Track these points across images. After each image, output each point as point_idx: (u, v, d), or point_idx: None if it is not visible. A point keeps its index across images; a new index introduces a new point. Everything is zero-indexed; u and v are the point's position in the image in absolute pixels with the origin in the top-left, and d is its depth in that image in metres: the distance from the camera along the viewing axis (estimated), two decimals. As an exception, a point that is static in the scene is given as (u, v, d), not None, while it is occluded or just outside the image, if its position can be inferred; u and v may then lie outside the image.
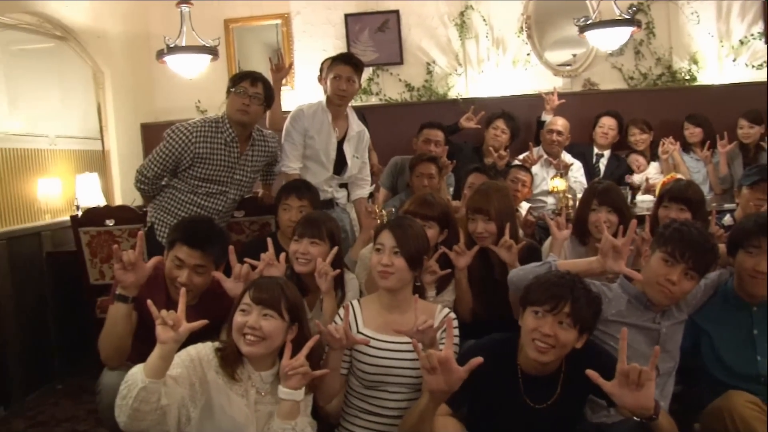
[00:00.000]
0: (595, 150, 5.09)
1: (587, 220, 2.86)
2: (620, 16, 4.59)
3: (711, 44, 5.41)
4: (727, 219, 3.67)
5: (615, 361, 1.88)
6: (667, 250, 2.22)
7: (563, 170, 4.67)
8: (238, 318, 2.06)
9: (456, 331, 2.33)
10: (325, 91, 3.62)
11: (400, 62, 5.56)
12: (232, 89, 3.22)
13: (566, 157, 4.85)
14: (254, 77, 3.25)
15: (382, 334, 2.31)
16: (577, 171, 4.82)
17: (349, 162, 3.66)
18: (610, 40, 4.62)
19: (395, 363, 2.29)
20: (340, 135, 3.62)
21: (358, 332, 2.32)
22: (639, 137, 5.08)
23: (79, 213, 4.15)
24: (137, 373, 1.86)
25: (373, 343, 2.29)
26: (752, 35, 5.36)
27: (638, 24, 4.63)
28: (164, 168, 3.21)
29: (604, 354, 2.10)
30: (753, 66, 5.38)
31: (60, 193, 4.49)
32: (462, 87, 5.55)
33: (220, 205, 3.33)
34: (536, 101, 5.21)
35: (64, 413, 3.71)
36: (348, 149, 3.66)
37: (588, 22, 4.60)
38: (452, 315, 2.35)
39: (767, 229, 2.36)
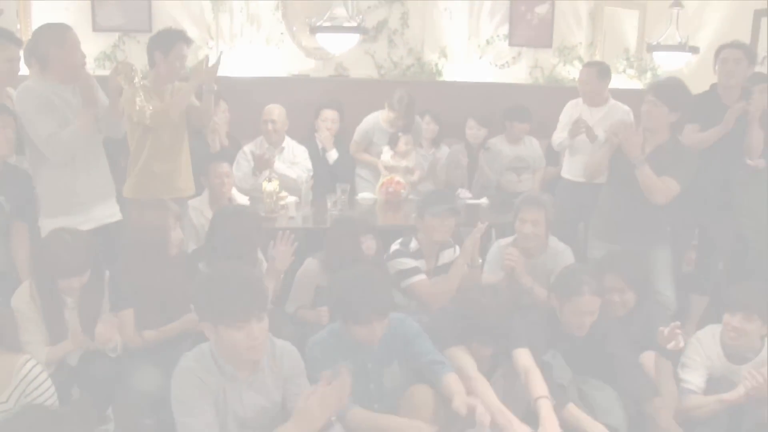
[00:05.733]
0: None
1: None
2: (350, 21, 4.54)
3: (461, 40, 5.59)
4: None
5: None
6: None
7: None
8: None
9: None
10: None
11: (149, 30, 5.29)
12: None
13: (291, 143, 4.80)
14: None
15: None
16: (301, 155, 4.81)
17: None
18: (337, 44, 4.62)
19: None
20: None
21: None
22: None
23: None
24: None
25: None
26: (498, 36, 5.59)
27: (364, 32, 4.60)
28: None
29: None
30: (496, 65, 5.63)
31: None
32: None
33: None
34: (288, 83, 5.22)
35: None
36: None
37: (319, 24, 4.55)
38: None
39: None
